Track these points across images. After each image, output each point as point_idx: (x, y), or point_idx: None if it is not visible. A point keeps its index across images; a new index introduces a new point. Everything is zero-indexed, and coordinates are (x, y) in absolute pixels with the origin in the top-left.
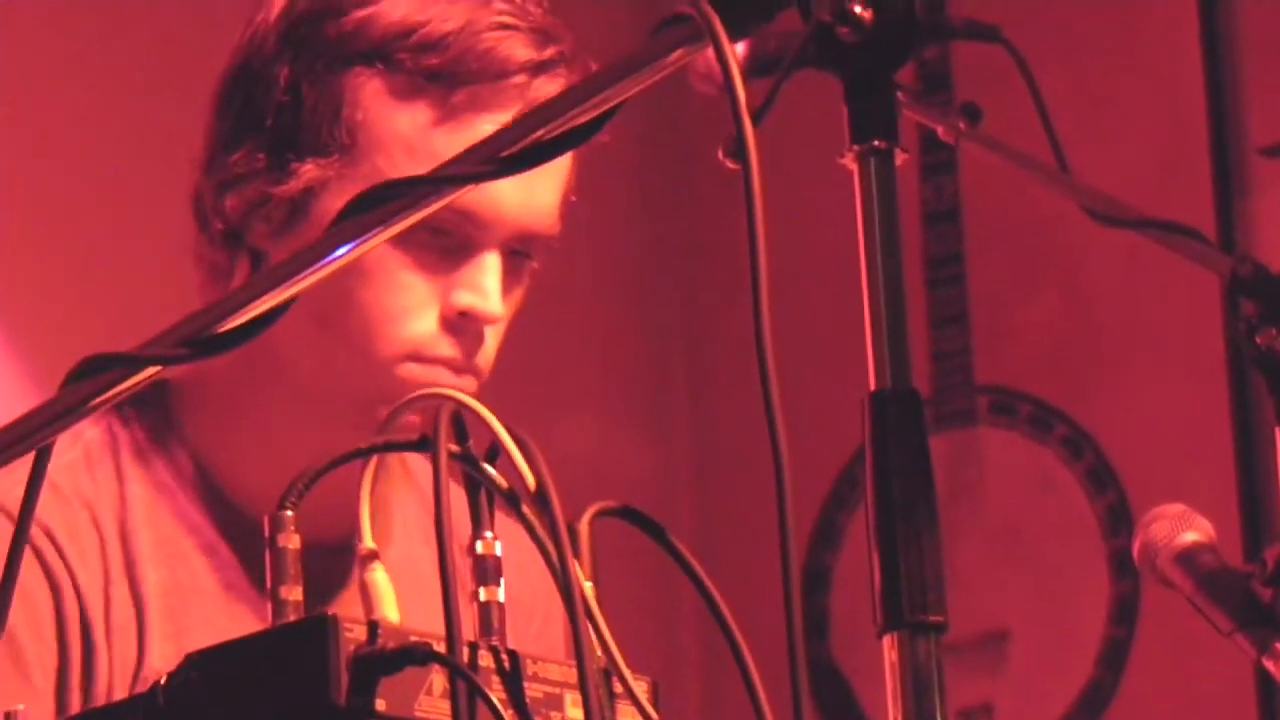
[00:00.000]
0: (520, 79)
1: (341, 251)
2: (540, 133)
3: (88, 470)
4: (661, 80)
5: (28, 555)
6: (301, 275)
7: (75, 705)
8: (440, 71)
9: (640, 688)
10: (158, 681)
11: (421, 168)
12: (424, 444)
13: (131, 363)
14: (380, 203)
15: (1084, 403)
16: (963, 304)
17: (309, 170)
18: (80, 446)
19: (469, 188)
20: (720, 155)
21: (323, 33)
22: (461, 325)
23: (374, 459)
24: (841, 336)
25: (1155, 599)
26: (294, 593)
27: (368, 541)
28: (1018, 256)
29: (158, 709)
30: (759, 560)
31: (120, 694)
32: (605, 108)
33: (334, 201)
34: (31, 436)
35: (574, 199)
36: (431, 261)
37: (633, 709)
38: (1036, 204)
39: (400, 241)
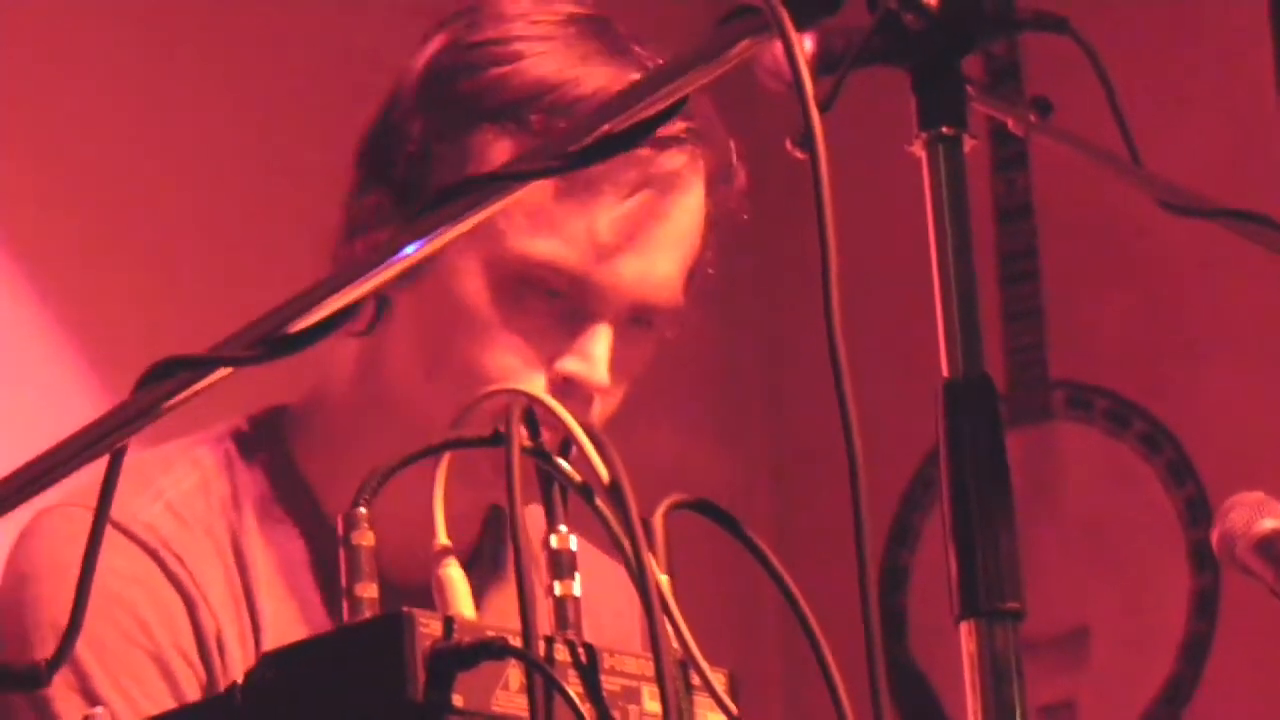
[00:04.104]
0: (646, 153)
1: (410, 249)
2: (607, 126)
3: (205, 498)
4: (728, 72)
5: (162, 578)
6: (371, 274)
7: None
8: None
9: (718, 680)
10: (235, 682)
11: (539, 232)
12: (496, 439)
13: (203, 364)
14: (450, 199)
15: (1161, 396)
16: (1037, 299)
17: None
18: (198, 473)
19: (536, 182)
20: (789, 145)
21: (458, 88)
22: (568, 391)
23: (445, 456)
24: (918, 338)
25: (1236, 592)
26: (369, 590)
27: (441, 538)
28: (1092, 250)
29: (235, 709)
30: (837, 561)
31: None
32: (672, 100)
33: (454, 258)
34: (106, 439)
35: (711, 272)
36: (544, 326)
37: (710, 701)
38: (1110, 197)
39: (515, 302)
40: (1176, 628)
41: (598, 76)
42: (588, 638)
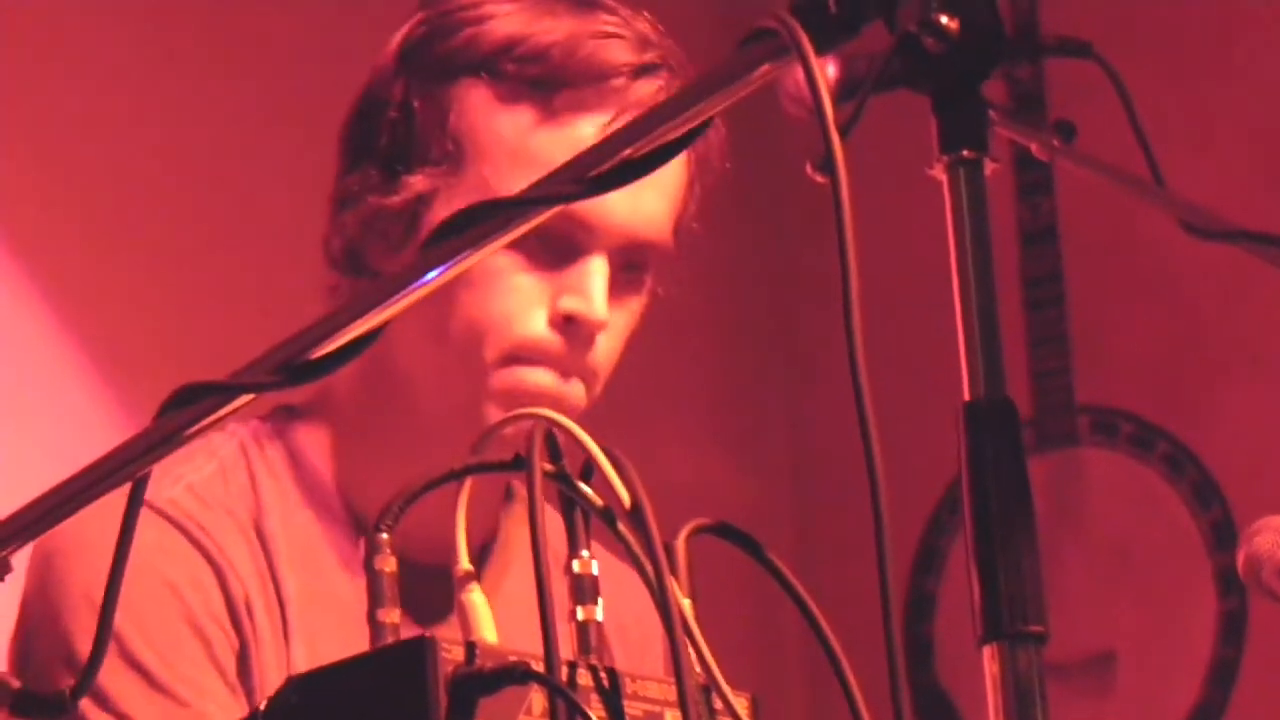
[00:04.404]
0: (620, 81)
1: (433, 275)
2: (628, 151)
3: (223, 482)
4: (748, 95)
5: (190, 548)
6: (393, 299)
7: (254, 690)
8: (543, 77)
9: (741, 704)
10: (258, 707)
11: (523, 171)
12: (518, 463)
13: (225, 391)
14: (470, 225)
15: (1186, 419)
16: (1062, 324)
17: (417, 181)
18: (216, 461)
19: (558, 209)
20: (809, 169)
21: (433, 51)
22: (569, 330)
23: (467, 482)
24: (945, 363)
25: (1264, 616)
26: (391, 615)
27: (464, 563)
28: (1116, 275)
29: None
30: (860, 583)
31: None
32: (692, 124)
33: (442, 212)
34: (128, 467)
35: (696, 226)
36: (539, 266)
37: None
38: (1135, 221)
39: (511, 254)
40: (1203, 652)
41: (565, 25)
42: (611, 645)
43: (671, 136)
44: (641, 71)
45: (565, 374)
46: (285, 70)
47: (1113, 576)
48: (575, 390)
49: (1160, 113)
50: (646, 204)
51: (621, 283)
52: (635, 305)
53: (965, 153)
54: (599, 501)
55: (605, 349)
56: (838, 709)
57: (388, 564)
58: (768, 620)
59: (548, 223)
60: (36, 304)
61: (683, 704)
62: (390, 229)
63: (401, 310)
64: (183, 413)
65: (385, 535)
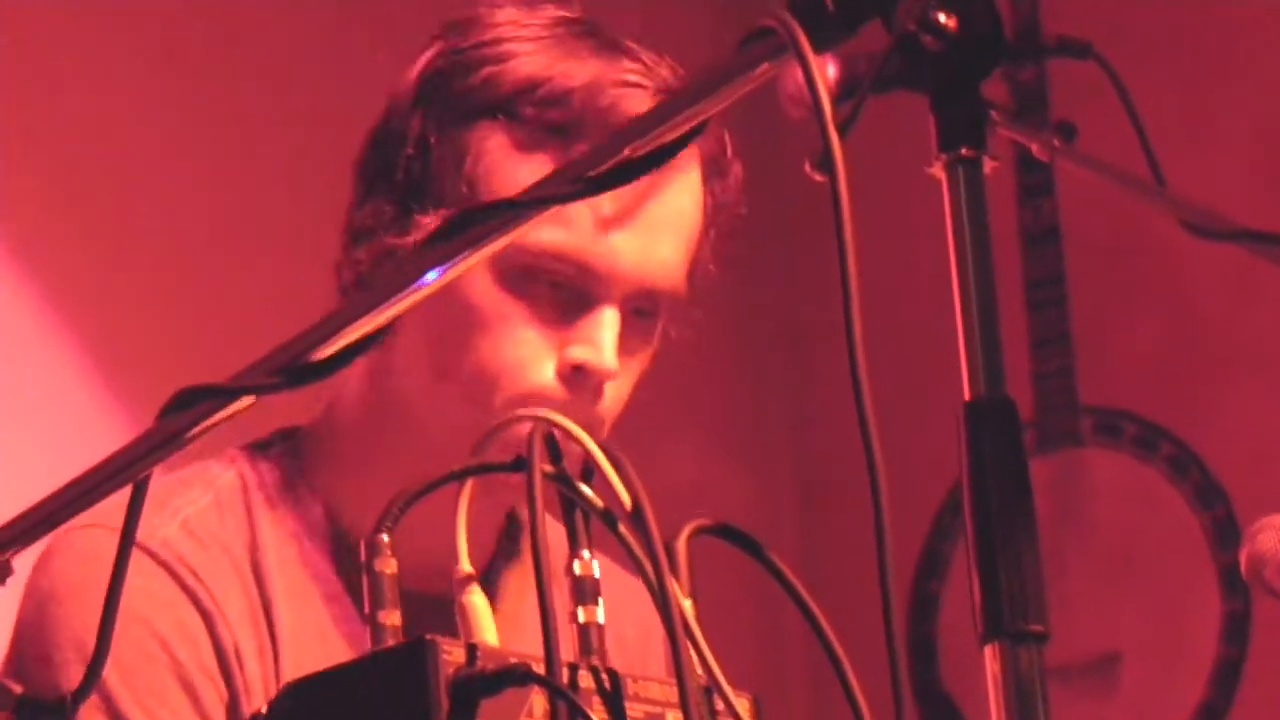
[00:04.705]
0: None
1: (431, 276)
2: (626, 152)
3: (218, 515)
4: (748, 94)
5: (180, 594)
6: (391, 301)
7: None
8: (562, 125)
9: (742, 705)
10: (259, 711)
11: (540, 222)
12: (518, 464)
13: (225, 394)
14: (468, 226)
15: (1188, 420)
16: (1064, 325)
17: (430, 222)
18: (213, 493)
19: (555, 208)
20: (808, 168)
21: (452, 88)
22: (577, 380)
23: (468, 483)
24: (950, 366)
25: (1268, 616)
26: (392, 617)
27: (464, 565)
28: (1119, 276)
29: None
30: (863, 585)
31: None
32: (691, 125)
33: None
34: (129, 470)
35: (712, 269)
36: (550, 316)
37: None
38: (1137, 223)
39: (520, 294)
40: (1208, 652)
41: (589, 69)
42: (610, 652)
43: (670, 137)
44: None
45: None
46: (289, 70)
47: (1116, 578)
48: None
49: (1161, 113)
50: (660, 251)
51: (632, 331)
52: (645, 354)
53: (964, 151)
54: (599, 503)
55: (612, 398)
56: (840, 710)
57: (388, 566)
58: (770, 621)
59: (558, 272)
60: (37, 305)
61: (684, 705)
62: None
63: (399, 314)
64: (183, 415)
65: (385, 537)
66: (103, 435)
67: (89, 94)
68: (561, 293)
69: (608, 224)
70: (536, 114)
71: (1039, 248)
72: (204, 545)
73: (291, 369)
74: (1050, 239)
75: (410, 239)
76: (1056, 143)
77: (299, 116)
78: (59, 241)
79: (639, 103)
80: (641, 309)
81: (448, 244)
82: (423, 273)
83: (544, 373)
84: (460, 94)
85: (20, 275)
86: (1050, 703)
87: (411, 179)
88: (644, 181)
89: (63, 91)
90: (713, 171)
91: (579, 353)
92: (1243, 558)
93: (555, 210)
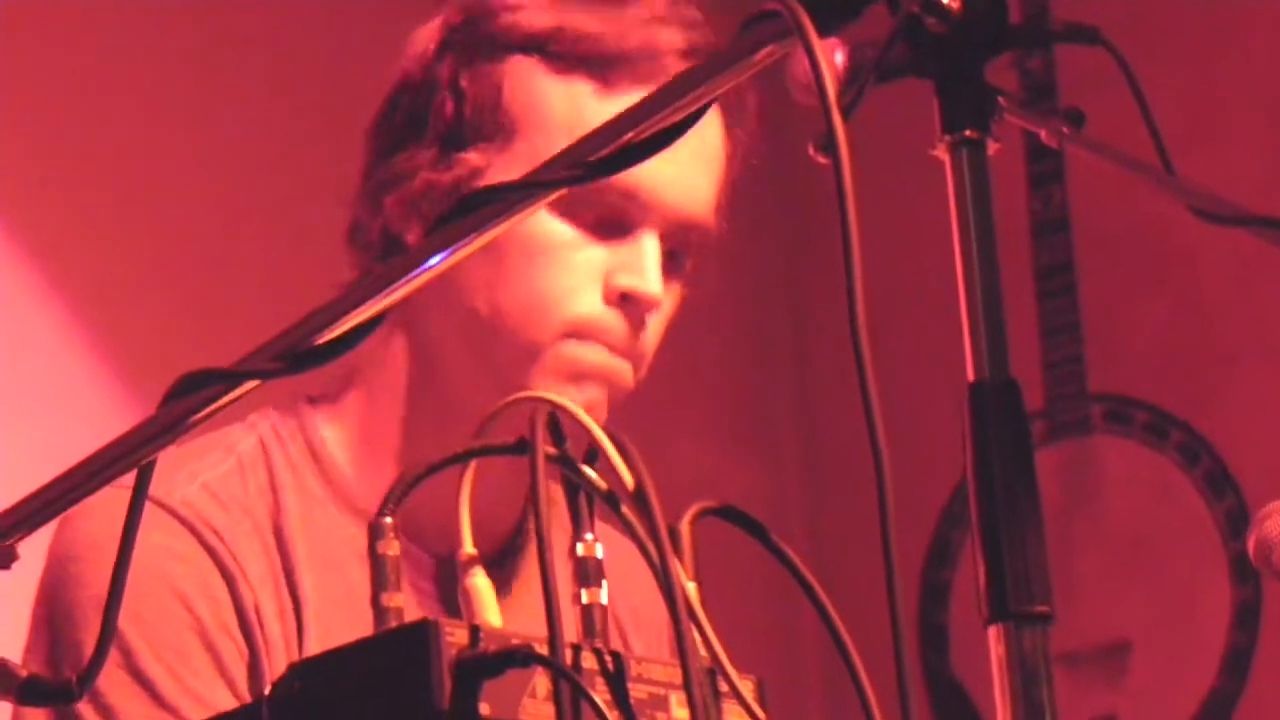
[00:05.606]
0: (669, 60)
1: (435, 260)
2: (630, 135)
3: (241, 479)
4: (751, 77)
5: (202, 553)
6: (397, 285)
7: None
8: (595, 54)
9: (746, 686)
10: (262, 693)
11: None
12: (521, 446)
13: (229, 378)
14: (474, 209)
15: (1200, 408)
16: (1074, 313)
17: (471, 158)
18: (234, 458)
19: (561, 193)
20: (811, 150)
21: (480, 31)
22: (624, 307)
23: (471, 465)
24: (959, 357)
25: (1278, 604)
26: (395, 599)
27: (467, 547)
28: (1128, 264)
29: None
30: (872, 571)
31: None
32: (694, 107)
33: None
34: (133, 454)
35: (725, 225)
36: (594, 243)
37: (739, 709)
38: (1147, 211)
39: (565, 220)
40: (1218, 640)
41: (609, 13)
42: (624, 625)
43: (675, 119)
44: (689, 54)
45: (617, 352)
46: (291, 58)
47: (1127, 565)
48: (625, 369)
49: (1171, 101)
50: (698, 182)
51: (667, 268)
52: (676, 291)
53: (968, 133)
54: (603, 485)
55: (653, 331)
56: (853, 695)
57: (391, 548)
58: (784, 605)
59: (599, 197)
60: (44, 294)
61: (688, 687)
62: (438, 209)
63: (403, 297)
64: (187, 400)
65: (388, 520)
66: (108, 422)
67: (92, 81)
68: (602, 219)
69: None
70: (569, 48)
71: (1048, 236)
72: (225, 507)
73: (295, 353)
74: (1059, 227)
75: (449, 175)
76: (1065, 129)
77: (304, 98)
78: (64, 230)
79: (664, 32)
80: (674, 248)
81: (453, 228)
82: (427, 257)
83: (591, 300)
84: (489, 35)
85: (24, 262)
86: (1055, 685)
87: (446, 123)
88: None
89: (66, 79)
90: (734, 119)
91: (625, 279)
92: (1251, 543)
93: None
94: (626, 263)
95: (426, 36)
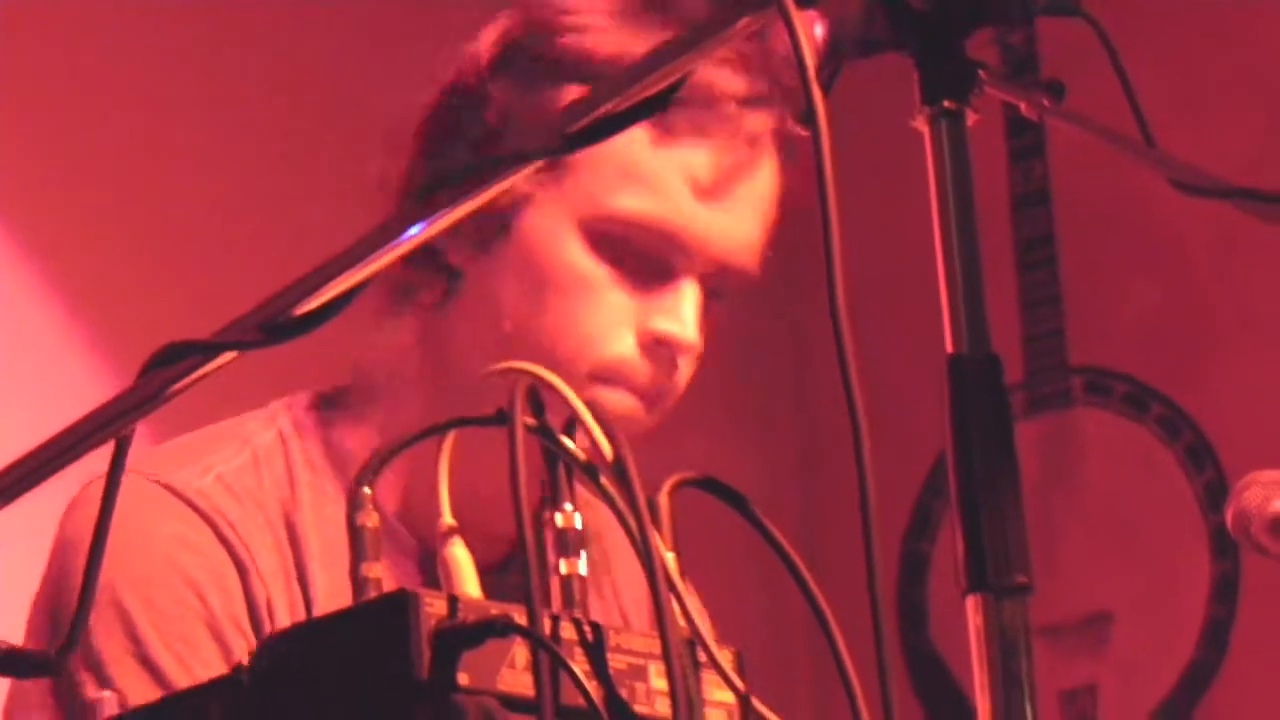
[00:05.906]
0: (731, 108)
1: (413, 231)
2: (608, 107)
3: (256, 473)
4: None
5: (216, 543)
6: (376, 255)
7: None
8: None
9: (725, 657)
10: (240, 663)
11: (631, 187)
12: (500, 418)
13: (208, 349)
14: (452, 181)
15: (1180, 381)
16: (1054, 286)
17: (521, 185)
18: (249, 450)
19: (538, 163)
20: (790, 123)
21: (537, 51)
22: (656, 352)
23: (449, 436)
24: (940, 333)
25: (1257, 576)
26: (374, 570)
27: (446, 518)
28: (1109, 237)
29: (242, 689)
30: (863, 556)
31: None
32: (672, 79)
33: (538, 220)
34: (111, 425)
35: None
36: (632, 286)
37: (718, 679)
38: (1127, 184)
39: (605, 261)
40: (1197, 612)
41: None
42: (620, 594)
43: (652, 92)
44: (752, 102)
45: (641, 395)
46: (292, 58)
47: (1107, 537)
48: (645, 414)
49: (1156, 77)
50: (744, 229)
51: (703, 308)
52: (704, 335)
53: (947, 104)
54: (582, 456)
55: (684, 372)
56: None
57: (369, 519)
58: (774, 579)
59: (643, 241)
60: (43, 292)
61: (666, 657)
62: (479, 227)
63: (382, 268)
64: (167, 370)
65: (367, 490)
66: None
67: (91, 78)
68: (644, 263)
69: (703, 196)
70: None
71: (1029, 209)
72: (239, 500)
73: (274, 324)
74: (1041, 199)
75: (505, 199)
76: (1045, 101)
77: (304, 98)
78: (61, 223)
79: (727, 76)
80: (712, 289)
81: (429, 199)
82: (405, 228)
83: (625, 341)
84: (547, 57)
85: (23, 260)
86: (1034, 656)
87: (494, 138)
88: (737, 159)
89: (64, 74)
90: (787, 156)
91: (662, 324)
92: (1229, 514)
93: (648, 179)
94: (664, 307)
95: (485, 43)
